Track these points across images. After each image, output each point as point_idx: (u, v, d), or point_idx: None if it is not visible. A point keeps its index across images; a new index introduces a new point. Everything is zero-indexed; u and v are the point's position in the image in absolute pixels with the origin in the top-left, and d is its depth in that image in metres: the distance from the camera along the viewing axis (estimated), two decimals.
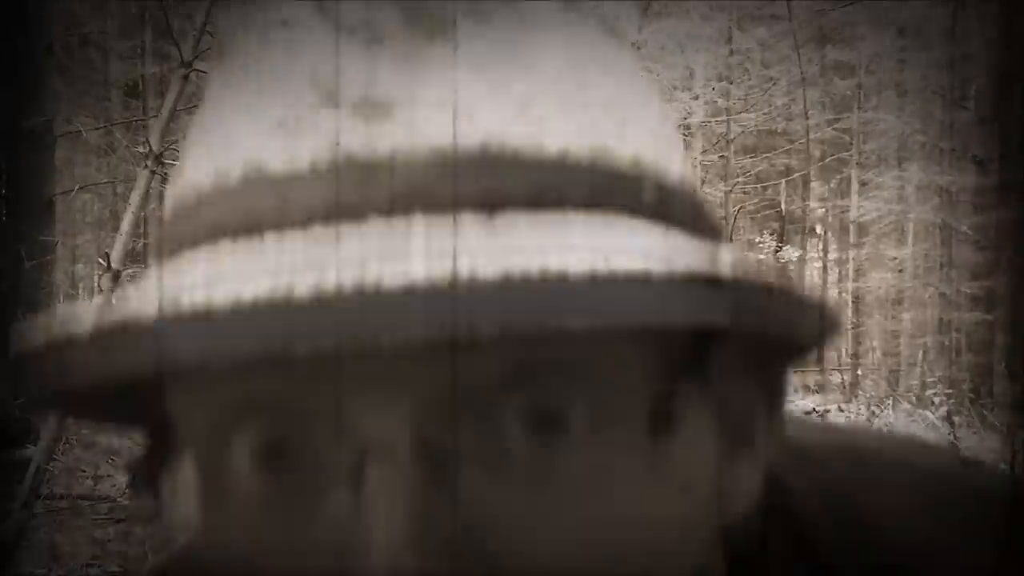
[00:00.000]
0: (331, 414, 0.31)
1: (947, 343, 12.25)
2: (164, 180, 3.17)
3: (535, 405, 0.32)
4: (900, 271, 13.72)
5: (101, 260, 3.37)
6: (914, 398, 10.17)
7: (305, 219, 0.30)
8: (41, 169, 4.72)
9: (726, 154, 13.22)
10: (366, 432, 0.31)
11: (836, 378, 12.15)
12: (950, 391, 9.22)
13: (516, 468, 0.32)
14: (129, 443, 4.97)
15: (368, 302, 0.27)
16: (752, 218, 14.67)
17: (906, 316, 13.47)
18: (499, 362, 0.31)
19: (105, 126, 6.21)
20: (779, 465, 0.43)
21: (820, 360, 10.71)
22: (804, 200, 14.80)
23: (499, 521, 0.32)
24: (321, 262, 0.28)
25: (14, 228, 4.37)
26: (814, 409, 7.34)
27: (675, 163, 0.35)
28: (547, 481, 0.32)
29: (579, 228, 0.30)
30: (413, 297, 0.26)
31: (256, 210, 0.31)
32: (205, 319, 0.27)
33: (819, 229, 15.44)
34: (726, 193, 12.67)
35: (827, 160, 14.30)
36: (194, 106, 3.41)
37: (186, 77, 3.22)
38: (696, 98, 12.73)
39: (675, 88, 12.26)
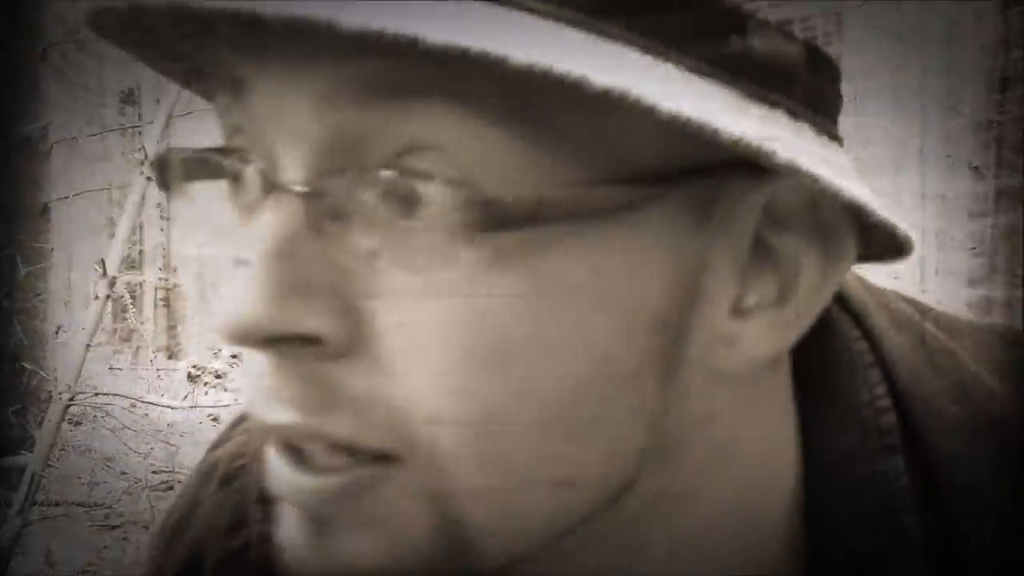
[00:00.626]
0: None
1: None
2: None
3: (400, 181, 0.30)
4: (896, 278, 13.72)
5: (97, 266, 3.37)
6: None
7: None
8: (36, 176, 4.71)
9: None
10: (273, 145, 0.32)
11: None
12: None
13: (387, 248, 0.31)
14: (125, 450, 4.95)
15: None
16: None
17: None
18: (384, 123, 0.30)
19: (101, 132, 6.20)
20: (880, 324, 0.43)
21: None
22: None
23: (377, 301, 0.31)
24: None
25: (9, 235, 4.36)
26: None
27: None
28: (412, 270, 0.31)
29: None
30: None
31: None
32: None
33: None
34: None
35: None
36: (190, 112, 3.41)
37: None
38: None
39: None
